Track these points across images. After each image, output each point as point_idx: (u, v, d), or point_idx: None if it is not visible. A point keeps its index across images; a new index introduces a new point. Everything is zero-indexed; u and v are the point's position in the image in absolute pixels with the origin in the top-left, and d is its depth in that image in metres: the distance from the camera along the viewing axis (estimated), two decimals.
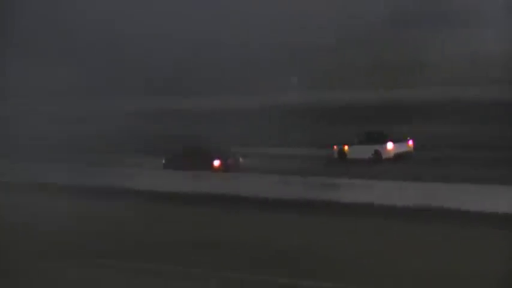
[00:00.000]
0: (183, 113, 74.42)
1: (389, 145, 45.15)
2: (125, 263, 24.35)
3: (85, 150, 54.95)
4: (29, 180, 42.44)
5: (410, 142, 45.94)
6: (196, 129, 61.56)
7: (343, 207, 31.87)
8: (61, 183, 41.01)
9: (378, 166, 42.95)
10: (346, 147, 46.57)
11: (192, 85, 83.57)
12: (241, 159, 43.89)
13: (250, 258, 24.45)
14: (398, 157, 44.86)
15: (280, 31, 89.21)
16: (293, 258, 24.36)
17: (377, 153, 45.11)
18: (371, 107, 66.40)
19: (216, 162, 42.44)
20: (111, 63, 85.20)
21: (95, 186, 39.58)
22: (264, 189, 35.44)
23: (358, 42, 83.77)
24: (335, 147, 47.07)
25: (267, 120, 61.59)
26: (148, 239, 28.04)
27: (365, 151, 45.44)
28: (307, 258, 24.29)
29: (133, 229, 30.13)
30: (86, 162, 46.38)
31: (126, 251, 26.27)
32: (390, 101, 66.96)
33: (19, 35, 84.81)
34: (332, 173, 39.48)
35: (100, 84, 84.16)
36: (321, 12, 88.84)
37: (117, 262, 24.49)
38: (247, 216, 32.37)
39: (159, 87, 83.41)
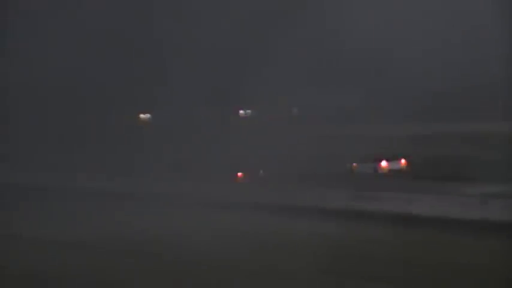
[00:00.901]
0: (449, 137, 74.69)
1: (383, 163, 58.70)
2: None
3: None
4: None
5: (403, 161, 58.81)
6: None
7: None
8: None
9: None
10: (354, 165, 59.99)
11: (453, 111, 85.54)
12: (261, 172, 59.13)
13: None
14: (394, 172, 57.38)
15: None
16: None
17: (374, 169, 58.58)
18: None
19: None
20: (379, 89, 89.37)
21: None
22: None
23: None
24: (348, 165, 60.10)
25: None
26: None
27: (367, 168, 58.96)
28: None
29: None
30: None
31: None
32: None
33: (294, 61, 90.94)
34: None
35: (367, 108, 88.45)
36: None
37: None
38: None
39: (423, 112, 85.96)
